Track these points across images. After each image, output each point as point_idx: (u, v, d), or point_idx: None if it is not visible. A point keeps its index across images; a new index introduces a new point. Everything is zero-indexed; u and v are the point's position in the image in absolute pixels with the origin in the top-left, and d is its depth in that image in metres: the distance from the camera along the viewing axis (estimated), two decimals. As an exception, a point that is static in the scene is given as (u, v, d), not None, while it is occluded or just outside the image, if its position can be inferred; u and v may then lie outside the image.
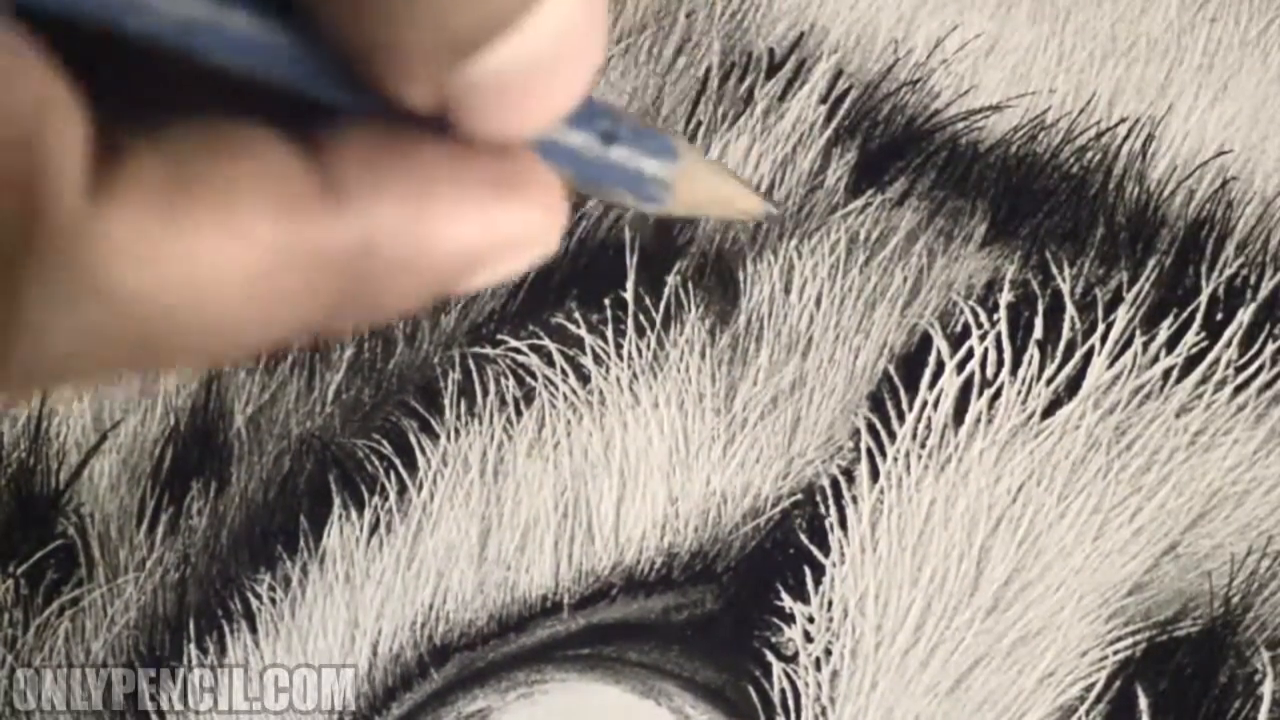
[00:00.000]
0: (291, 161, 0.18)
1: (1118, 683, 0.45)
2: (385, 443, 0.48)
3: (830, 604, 0.46)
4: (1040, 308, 0.47)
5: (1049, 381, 0.47)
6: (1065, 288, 0.47)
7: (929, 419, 0.46)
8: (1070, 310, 0.47)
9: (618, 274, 0.48)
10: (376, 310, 0.19)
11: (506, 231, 0.20)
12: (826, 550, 0.46)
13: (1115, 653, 0.45)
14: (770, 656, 0.45)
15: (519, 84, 0.19)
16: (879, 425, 0.47)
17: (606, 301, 0.48)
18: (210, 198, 0.17)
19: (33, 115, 0.16)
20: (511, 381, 0.48)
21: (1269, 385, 0.47)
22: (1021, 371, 0.47)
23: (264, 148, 0.18)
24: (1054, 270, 0.48)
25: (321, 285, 0.18)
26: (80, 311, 0.16)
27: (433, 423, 0.48)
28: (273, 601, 0.47)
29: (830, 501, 0.46)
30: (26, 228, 0.16)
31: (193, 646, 0.47)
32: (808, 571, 0.46)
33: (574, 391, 0.48)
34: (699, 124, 0.49)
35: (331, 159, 0.18)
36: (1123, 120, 0.49)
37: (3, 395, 0.17)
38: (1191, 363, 0.47)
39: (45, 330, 0.16)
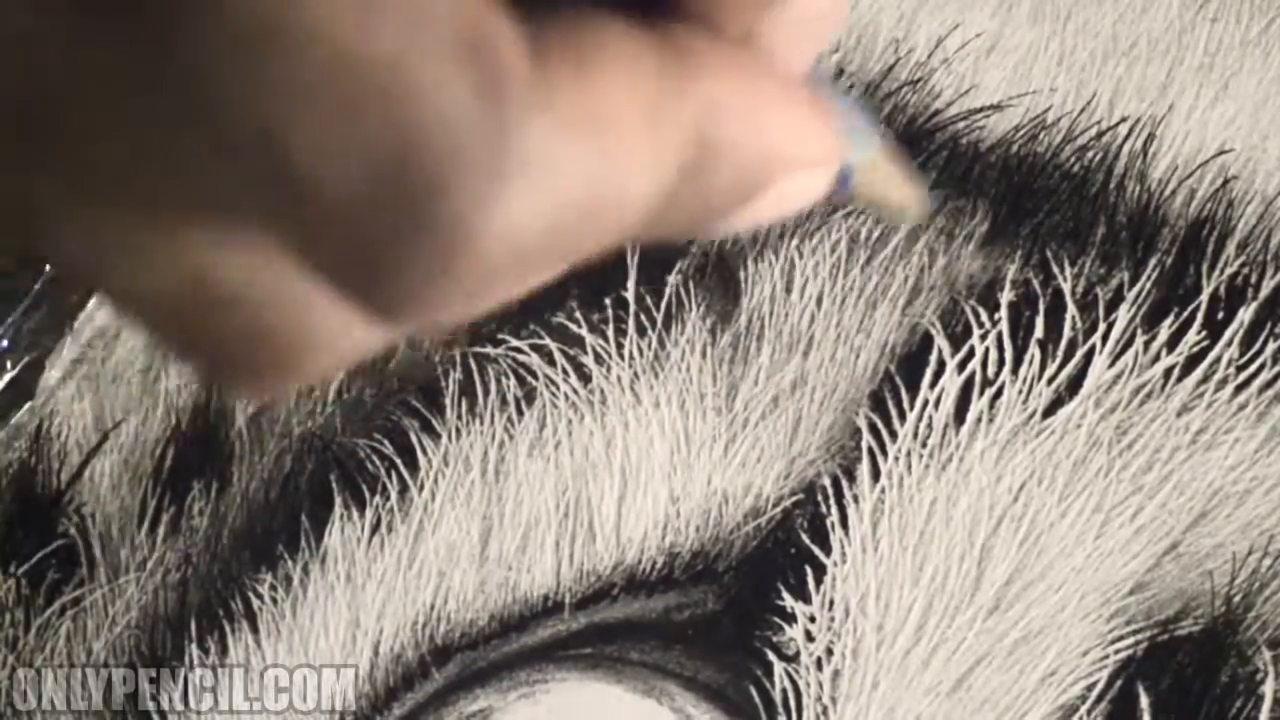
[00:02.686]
0: (649, 35, 0.19)
1: (1119, 682, 0.45)
2: (386, 442, 0.48)
3: (831, 603, 0.46)
4: (1041, 307, 0.47)
5: (1050, 381, 0.47)
6: (1066, 287, 0.47)
7: (930, 418, 0.46)
8: (1071, 309, 0.47)
9: (619, 274, 0.49)
10: (708, 203, 0.20)
11: (812, 147, 0.21)
12: (828, 549, 0.46)
13: (1117, 652, 0.45)
14: (772, 656, 0.45)
15: (813, 19, 0.21)
16: (880, 424, 0.47)
17: (608, 301, 0.48)
18: (615, 75, 0.18)
19: (478, 7, 0.16)
20: (513, 381, 0.48)
21: (1270, 384, 0.47)
22: (1023, 371, 0.47)
23: (627, 26, 0.19)
24: (1055, 269, 0.48)
25: (680, 155, 0.19)
26: (534, 189, 0.17)
27: (434, 422, 0.48)
28: (274, 601, 0.47)
29: (831, 501, 0.46)
30: (492, 110, 0.16)
31: (194, 646, 0.47)
32: (809, 571, 0.46)
33: (575, 391, 0.48)
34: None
35: (673, 36, 0.19)
36: (1124, 120, 0.49)
37: (455, 301, 0.18)
38: (1193, 362, 0.47)
39: (506, 216, 0.17)
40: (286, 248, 0.17)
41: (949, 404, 0.47)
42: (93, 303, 0.51)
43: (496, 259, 0.17)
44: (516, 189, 0.17)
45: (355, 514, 0.47)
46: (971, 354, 0.47)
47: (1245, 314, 0.47)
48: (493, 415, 0.48)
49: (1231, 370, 0.47)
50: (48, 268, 0.50)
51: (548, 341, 0.48)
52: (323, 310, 0.18)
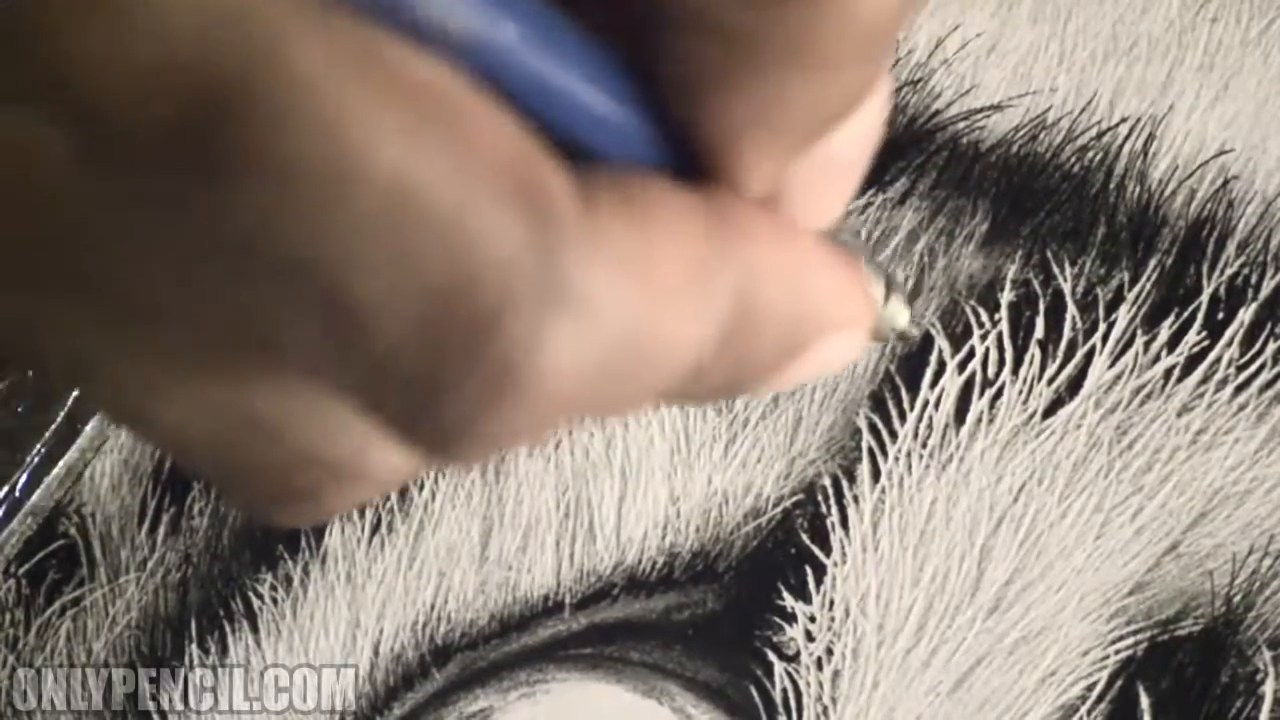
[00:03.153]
0: (694, 199, 0.19)
1: (1119, 682, 0.45)
2: (387, 442, 0.48)
3: (832, 603, 0.46)
4: (1041, 307, 0.47)
5: (1050, 381, 0.47)
6: (1066, 287, 0.47)
7: (930, 418, 0.46)
8: (1071, 310, 0.47)
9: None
10: (745, 366, 0.20)
11: (850, 309, 0.21)
12: (828, 550, 0.46)
13: (1117, 652, 0.45)
14: (772, 656, 0.45)
15: (840, 172, 0.21)
16: (880, 425, 0.47)
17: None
18: (664, 229, 0.18)
19: (528, 150, 0.17)
20: (513, 381, 0.48)
21: (1270, 384, 0.47)
22: (1023, 371, 0.47)
23: (673, 186, 0.19)
24: (1055, 270, 0.48)
25: (721, 317, 0.19)
26: (581, 334, 0.17)
27: (434, 422, 0.48)
28: (274, 601, 0.47)
29: (832, 501, 0.46)
30: (544, 252, 0.16)
31: (194, 646, 0.47)
32: (809, 571, 0.46)
33: (575, 391, 0.48)
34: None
35: (719, 200, 0.19)
36: (1124, 120, 0.49)
37: (501, 436, 0.18)
38: (1193, 362, 0.47)
39: (554, 358, 0.17)
40: (339, 385, 0.17)
41: (949, 404, 0.47)
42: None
43: (542, 400, 0.17)
44: (565, 330, 0.17)
45: (355, 514, 0.47)
46: (972, 354, 0.47)
47: (1245, 314, 0.47)
48: (493, 415, 0.48)
49: (1232, 371, 0.47)
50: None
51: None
52: (370, 444, 0.18)
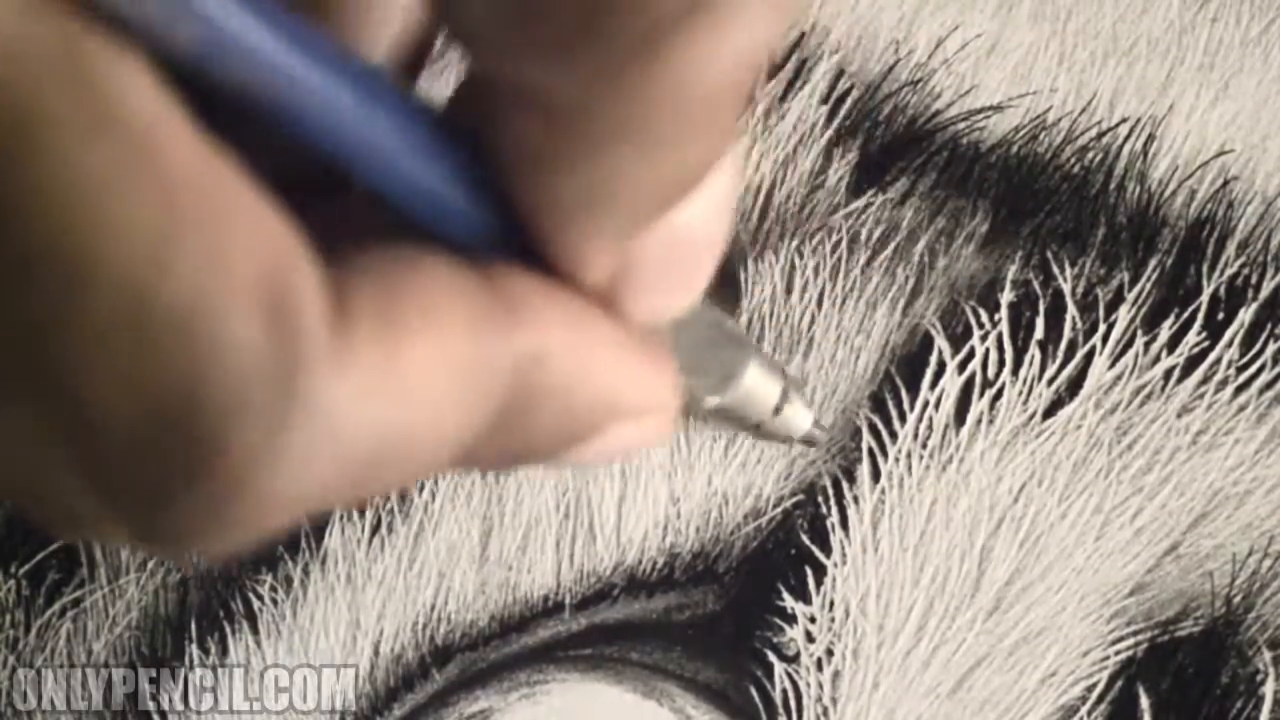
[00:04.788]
0: (471, 280, 0.18)
1: (1119, 683, 0.45)
2: (387, 443, 0.48)
3: (832, 604, 0.46)
4: (1041, 308, 0.47)
5: (1050, 381, 0.47)
6: (1067, 288, 0.47)
7: (930, 419, 0.46)
8: (1071, 310, 0.47)
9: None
10: (525, 447, 0.19)
11: (648, 396, 0.20)
12: (828, 550, 0.46)
13: (1117, 653, 0.45)
14: (772, 657, 0.45)
15: (689, 251, 0.20)
16: (880, 425, 0.47)
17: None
18: (423, 332, 0.17)
19: (284, 255, 0.16)
20: (513, 382, 0.48)
21: (1270, 385, 0.47)
22: (1023, 371, 0.47)
23: (446, 270, 0.18)
24: (1055, 270, 0.48)
25: (493, 403, 0.18)
26: (319, 449, 0.17)
27: (434, 423, 0.48)
28: (274, 602, 0.47)
29: (832, 501, 0.46)
30: (283, 370, 0.16)
31: (194, 647, 0.47)
32: (809, 571, 0.46)
33: (575, 392, 0.48)
34: (700, 124, 0.49)
35: (502, 280, 0.19)
36: (1124, 120, 0.49)
37: (228, 538, 0.17)
38: (1193, 363, 0.47)
39: (287, 471, 0.17)
40: (74, 473, 0.16)
41: (949, 405, 0.47)
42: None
43: (272, 508, 0.17)
44: (300, 445, 0.16)
45: (355, 515, 0.47)
46: (972, 355, 0.47)
47: (1245, 315, 0.47)
48: (493, 416, 0.48)
49: (1232, 371, 0.47)
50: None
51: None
52: (110, 527, 0.17)
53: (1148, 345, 0.47)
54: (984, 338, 0.47)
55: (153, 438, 0.16)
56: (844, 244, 0.48)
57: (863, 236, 0.48)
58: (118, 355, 0.15)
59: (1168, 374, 0.47)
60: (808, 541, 0.46)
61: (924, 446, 0.46)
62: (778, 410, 0.24)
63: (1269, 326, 0.47)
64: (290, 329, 0.16)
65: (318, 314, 0.16)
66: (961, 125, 0.49)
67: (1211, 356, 0.47)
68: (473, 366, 0.18)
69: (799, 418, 0.24)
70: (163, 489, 0.16)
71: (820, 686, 0.45)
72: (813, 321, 0.48)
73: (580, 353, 0.19)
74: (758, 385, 0.23)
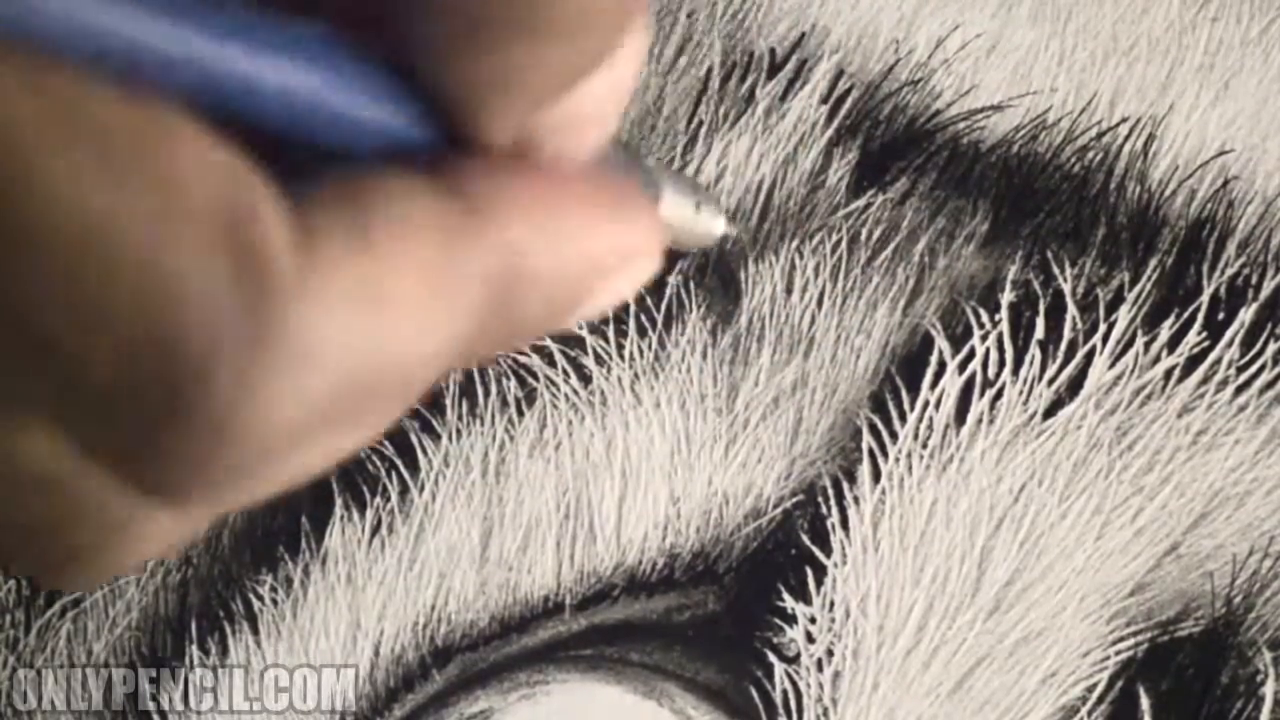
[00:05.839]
0: (431, 191, 0.18)
1: (1120, 683, 0.45)
2: (387, 443, 0.48)
3: (832, 604, 0.46)
4: (1042, 308, 0.47)
5: (1050, 382, 0.47)
6: (1067, 288, 0.47)
7: (931, 419, 0.46)
8: (1072, 310, 0.47)
9: (619, 274, 0.48)
10: (520, 330, 0.20)
11: (628, 243, 0.20)
12: (828, 551, 0.46)
13: (1117, 653, 0.45)
14: (772, 657, 0.45)
15: (598, 112, 0.20)
16: (881, 425, 0.47)
17: (608, 302, 0.48)
18: (391, 246, 0.17)
19: (239, 186, 0.16)
20: (513, 382, 0.48)
21: (1270, 385, 0.47)
22: (1023, 371, 0.47)
23: (402, 183, 0.18)
24: (1055, 270, 0.48)
25: (477, 305, 0.18)
26: (302, 376, 0.17)
27: (434, 423, 0.48)
28: (274, 602, 0.47)
29: (832, 502, 0.46)
30: (252, 300, 0.16)
31: (194, 647, 0.47)
32: (809, 572, 0.46)
33: (575, 392, 0.48)
34: (700, 124, 0.49)
35: (461, 184, 0.19)
36: (1124, 120, 0.49)
37: (232, 482, 0.17)
38: (1193, 363, 0.47)
39: (273, 402, 0.17)
40: (59, 432, 0.16)
41: (949, 405, 0.47)
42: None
43: (267, 443, 0.17)
44: (282, 378, 0.16)
45: (355, 515, 0.47)
46: (972, 355, 0.47)
47: (1246, 315, 0.47)
48: (493, 416, 0.48)
49: (1232, 371, 0.47)
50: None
51: (548, 342, 0.48)
52: (104, 496, 0.17)
53: (1148, 345, 0.47)
54: (984, 338, 0.47)
55: (131, 382, 0.16)
56: (844, 244, 0.48)
57: (863, 236, 0.48)
58: (84, 300, 0.15)
59: (1168, 374, 0.47)
60: (808, 542, 0.46)
61: (924, 446, 0.46)
62: (695, 215, 0.25)
63: (1269, 326, 0.47)
64: (254, 257, 0.16)
65: (282, 241, 0.16)
66: (961, 125, 0.49)
67: (1212, 356, 0.47)
68: (449, 273, 0.18)
69: (715, 222, 0.25)
70: (154, 432, 0.16)
71: (820, 687, 0.45)
72: (813, 321, 0.48)
73: (552, 228, 0.19)
74: (675, 200, 0.24)
